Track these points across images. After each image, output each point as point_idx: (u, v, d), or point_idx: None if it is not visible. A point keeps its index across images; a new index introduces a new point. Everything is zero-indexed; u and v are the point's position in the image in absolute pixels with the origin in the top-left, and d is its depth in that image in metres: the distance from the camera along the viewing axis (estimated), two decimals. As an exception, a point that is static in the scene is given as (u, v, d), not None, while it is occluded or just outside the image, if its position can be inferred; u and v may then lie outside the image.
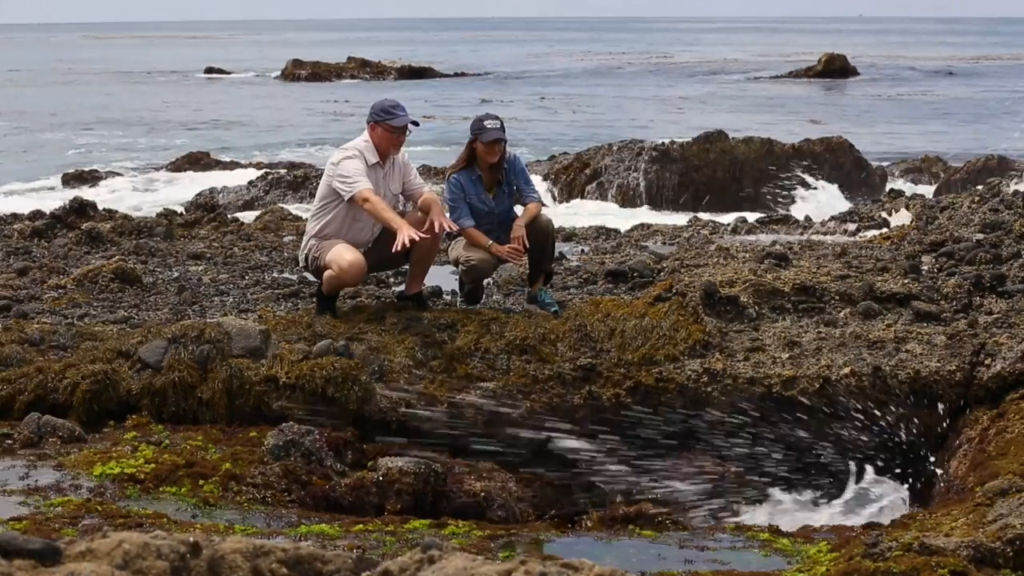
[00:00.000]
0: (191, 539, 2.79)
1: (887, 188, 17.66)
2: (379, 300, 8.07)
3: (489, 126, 7.57)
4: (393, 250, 7.10)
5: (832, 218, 12.39)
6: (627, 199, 17.64)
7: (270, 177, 17.92)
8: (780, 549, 4.91)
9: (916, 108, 36.47)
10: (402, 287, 8.10)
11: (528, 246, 7.55)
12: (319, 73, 55.04)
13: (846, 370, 6.59)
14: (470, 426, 6.62)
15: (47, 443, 5.86)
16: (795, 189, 17.96)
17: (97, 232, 10.49)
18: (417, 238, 6.92)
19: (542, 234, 7.71)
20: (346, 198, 7.18)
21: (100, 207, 11.81)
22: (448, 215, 7.51)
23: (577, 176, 18.36)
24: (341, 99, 39.93)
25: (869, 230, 11.34)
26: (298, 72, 55.38)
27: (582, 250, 10.53)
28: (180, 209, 12.80)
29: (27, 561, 2.60)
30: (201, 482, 5.45)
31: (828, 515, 6.17)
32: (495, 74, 58.93)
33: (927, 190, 17.62)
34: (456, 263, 7.77)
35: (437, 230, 7.13)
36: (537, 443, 6.61)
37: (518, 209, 7.85)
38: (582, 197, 18.01)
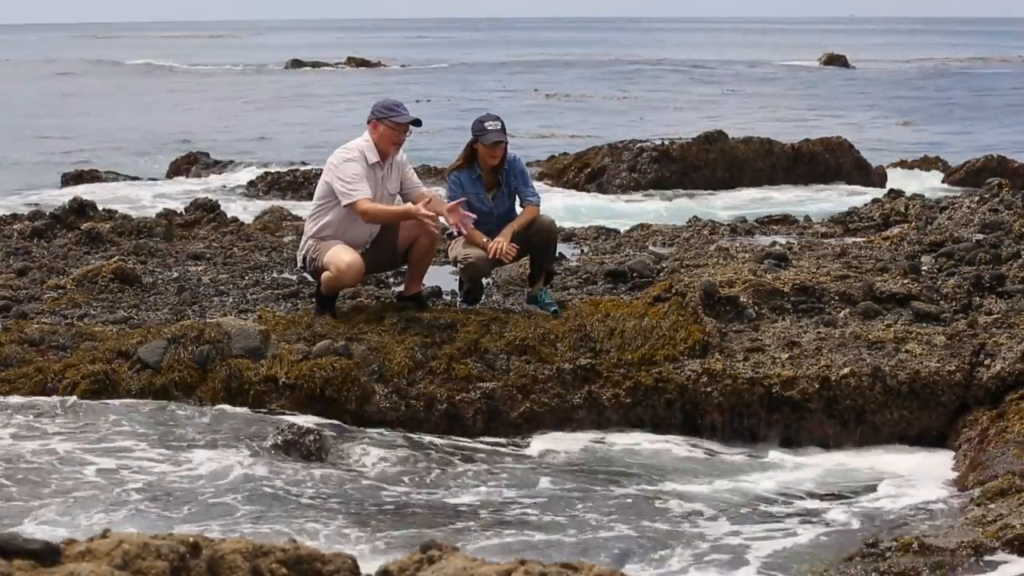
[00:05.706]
0: (191, 539, 2.78)
1: (887, 188, 17.65)
2: (379, 300, 8.06)
3: (490, 127, 7.45)
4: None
5: (831, 218, 12.37)
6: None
7: (269, 177, 17.88)
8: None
9: (915, 108, 36.42)
10: (401, 287, 8.10)
11: (510, 250, 7.47)
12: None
13: (846, 370, 6.58)
14: None
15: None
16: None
17: (97, 232, 10.49)
18: (429, 215, 7.15)
19: (544, 234, 7.65)
20: (344, 203, 7.19)
21: (100, 207, 11.79)
22: None
23: (577, 176, 18.34)
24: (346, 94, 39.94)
25: (868, 230, 11.33)
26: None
27: (582, 250, 10.51)
28: (179, 209, 12.75)
29: (27, 561, 2.60)
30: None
31: None
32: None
33: (927, 190, 17.58)
34: (455, 261, 7.74)
35: (462, 232, 7.26)
36: None
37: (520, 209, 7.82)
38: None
